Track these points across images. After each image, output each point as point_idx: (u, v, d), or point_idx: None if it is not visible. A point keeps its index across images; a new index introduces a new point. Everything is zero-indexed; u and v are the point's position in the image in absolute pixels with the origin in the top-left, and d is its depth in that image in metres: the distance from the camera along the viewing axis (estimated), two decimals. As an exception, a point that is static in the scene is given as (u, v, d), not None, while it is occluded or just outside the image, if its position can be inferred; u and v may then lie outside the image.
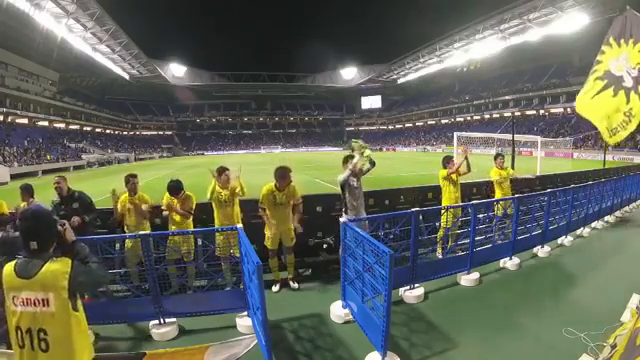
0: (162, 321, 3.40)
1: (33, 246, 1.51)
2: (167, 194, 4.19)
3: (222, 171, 4.24)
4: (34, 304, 1.44)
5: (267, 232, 4.32)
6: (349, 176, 4.16)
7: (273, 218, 4.22)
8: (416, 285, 4.10)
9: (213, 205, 4.25)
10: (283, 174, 4.22)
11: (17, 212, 3.64)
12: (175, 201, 4.14)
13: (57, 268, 1.48)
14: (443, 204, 5.27)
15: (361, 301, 3.20)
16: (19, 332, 1.45)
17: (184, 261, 4.01)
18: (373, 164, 4.34)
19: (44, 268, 1.47)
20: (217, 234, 3.96)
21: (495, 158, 5.96)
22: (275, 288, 4.33)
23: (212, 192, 4.14)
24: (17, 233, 2.93)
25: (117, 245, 3.90)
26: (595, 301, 3.84)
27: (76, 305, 1.54)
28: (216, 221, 4.24)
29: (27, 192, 4.03)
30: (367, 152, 4.25)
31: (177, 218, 4.16)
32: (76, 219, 3.74)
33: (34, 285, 1.45)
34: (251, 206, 4.58)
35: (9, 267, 1.53)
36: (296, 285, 4.38)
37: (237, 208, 4.32)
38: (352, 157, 4.26)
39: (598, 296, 3.98)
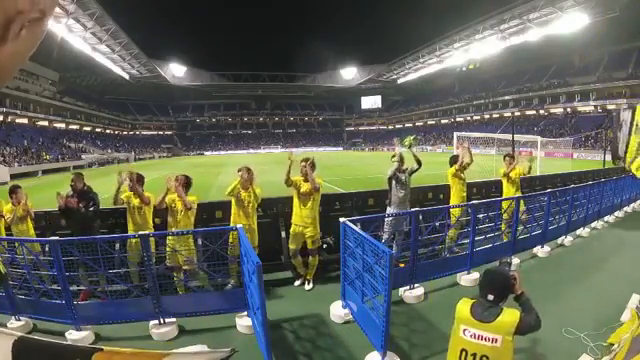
0: (162, 321, 3.40)
1: (490, 297, 1.89)
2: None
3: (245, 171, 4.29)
4: (484, 340, 1.84)
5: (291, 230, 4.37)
6: (395, 170, 4.70)
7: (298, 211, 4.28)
8: (416, 285, 4.10)
9: (232, 202, 4.26)
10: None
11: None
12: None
13: (509, 319, 1.83)
14: (452, 202, 5.29)
15: (361, 301, 3.20)
16: (464, 353, 1.89)
17: (184, 269, 3.96)
18: (419, 164, 4.80)
19: (500, 318, 1.84)
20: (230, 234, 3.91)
21: (504, 158, 6.13)
22: (297, 282, 4.45)
23: (233, 189, 4.15)
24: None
25: (117, 245, 3.90)
26: (595, 301, 3.84)
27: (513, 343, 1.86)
28: (232, 217, 4.24)
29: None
30: (407, 142, 5.01)
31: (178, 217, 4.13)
32: (73, 200, 4.00)
33: (489, 328, 1.84)
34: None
35: (465, 306, 1.93)
36: (310, 286, 4.41)
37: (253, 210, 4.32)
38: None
39: (598, 296, 3.98)
